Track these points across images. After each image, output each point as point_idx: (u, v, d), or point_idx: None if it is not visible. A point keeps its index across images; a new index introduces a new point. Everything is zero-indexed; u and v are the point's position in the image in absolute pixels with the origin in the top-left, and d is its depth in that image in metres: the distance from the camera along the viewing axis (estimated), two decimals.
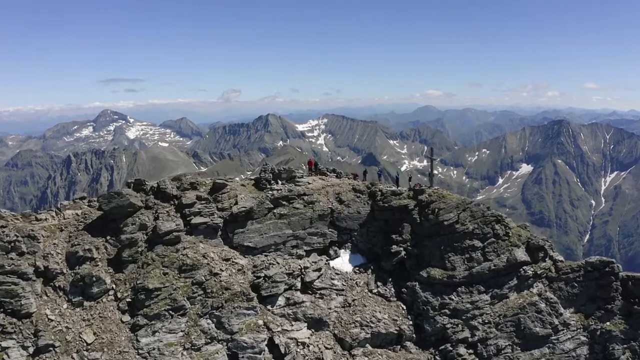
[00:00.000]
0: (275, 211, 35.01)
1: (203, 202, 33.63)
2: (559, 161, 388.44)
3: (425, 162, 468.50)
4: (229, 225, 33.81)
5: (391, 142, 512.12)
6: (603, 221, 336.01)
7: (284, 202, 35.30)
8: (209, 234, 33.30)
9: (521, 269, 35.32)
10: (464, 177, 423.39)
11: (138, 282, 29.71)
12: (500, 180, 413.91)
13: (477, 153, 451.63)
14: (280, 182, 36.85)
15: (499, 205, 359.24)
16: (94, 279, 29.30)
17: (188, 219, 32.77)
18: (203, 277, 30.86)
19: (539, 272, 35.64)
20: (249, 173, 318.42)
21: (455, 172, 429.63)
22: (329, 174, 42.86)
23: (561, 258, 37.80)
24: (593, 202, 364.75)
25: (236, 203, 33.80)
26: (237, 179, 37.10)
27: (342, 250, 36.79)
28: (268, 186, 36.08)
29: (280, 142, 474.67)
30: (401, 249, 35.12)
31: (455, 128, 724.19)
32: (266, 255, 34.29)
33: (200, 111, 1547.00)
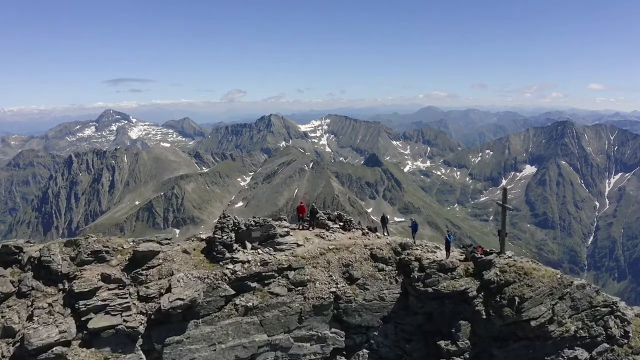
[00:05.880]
0: (237, 302, 20.86)
1: (112, 287, 19.38)
2: (563, 162, 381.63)
3: (428, 163, 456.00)
4: (157, 329, 19.78)
5: (394, 142, 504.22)
6: (607, 223, 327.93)
7: (253, 285, 21.05)
8: (121, 346, 19.39)
9: None
10: (467, 179, 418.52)
11: None
12: (504, 182, 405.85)
13: (480, 154, 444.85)
14: (249, 246, 22.34)
15: None
16: None
17: (84, 318, 18.71)
18: None
19: None
20: (250, 174, 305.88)
21: (458, 173, 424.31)
22: (331, 225, 27.68)
23: None
24: (597, 203, 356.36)
25: (169, 289, 19.50)
26: (177, 245, 22.17)
27: None
28: (227, 255, 21.55)
29: (283, 143, 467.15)
30: None
31: (458, 129, 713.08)
32: None
33: (203, 112, 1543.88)
